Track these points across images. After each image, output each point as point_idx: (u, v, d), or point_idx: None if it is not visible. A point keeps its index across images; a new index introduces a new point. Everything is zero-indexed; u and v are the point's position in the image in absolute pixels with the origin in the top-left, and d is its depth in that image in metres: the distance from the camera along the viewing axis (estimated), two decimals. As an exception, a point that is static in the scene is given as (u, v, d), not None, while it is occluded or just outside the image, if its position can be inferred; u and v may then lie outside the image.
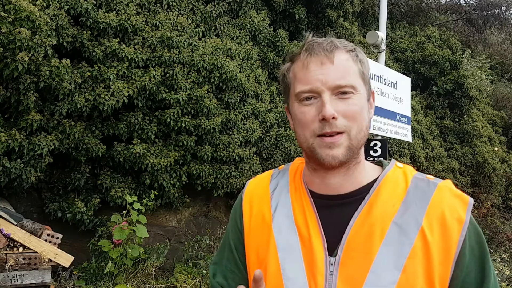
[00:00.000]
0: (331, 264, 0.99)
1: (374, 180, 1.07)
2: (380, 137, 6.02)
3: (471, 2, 18.71)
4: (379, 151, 5.72)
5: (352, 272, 0.97)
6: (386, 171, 1.08)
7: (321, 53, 1.03)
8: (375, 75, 5.93)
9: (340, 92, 1.00)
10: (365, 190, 1.05)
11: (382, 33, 6.16)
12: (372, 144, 5.85)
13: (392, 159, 1.14)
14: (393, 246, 0.96)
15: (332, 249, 1.01)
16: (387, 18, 7.96)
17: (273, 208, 1.11)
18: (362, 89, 1.05)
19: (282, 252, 1.04)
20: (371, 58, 6.61)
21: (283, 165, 1.24)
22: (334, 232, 1.02)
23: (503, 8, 17.66)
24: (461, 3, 18.99)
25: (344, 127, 1.00)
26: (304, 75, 1.03)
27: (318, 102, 1.01)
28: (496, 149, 13.30)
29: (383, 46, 6.13)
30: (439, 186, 1.04)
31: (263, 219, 1.11)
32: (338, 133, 0.99)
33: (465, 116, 12.84)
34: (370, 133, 6.09)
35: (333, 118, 0.98)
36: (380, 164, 1.14)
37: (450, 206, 1.00)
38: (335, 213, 1.04)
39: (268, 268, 1.04)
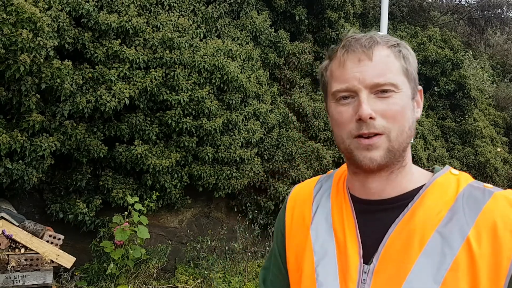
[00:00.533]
0: (365, 273, 0.94)
1: (421, 187, 0.99)
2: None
3: (473, 2, 18.70)
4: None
5: (386, 282, 0.92)
6: (435, 177, 1.00)
7: (358, 50, 0.96)
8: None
9: (379, 90, 0.94)
10: (410, 196, 0.98)
11: (383, 34, 6.16)
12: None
13: (447, 165, 1.06)
14: (433, 257, 0.89)
15: (368, 257, 0.96)
16: (388, 19, 7.97)
17: (313, 211, 1.09)
18: (406, 87, 0.97)
19: (317, 255, 1.01)
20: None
21: (331, 170, 1.21)
22: (371, 239, 0.97)
23: (504, 8, 17.64)
24: (463, 3, 18.97)
25: (383, 128, 0.93)
26: (340, 73, 0.98)
27: (355, 102, 0.96)
28: (499, 149, 13.28)
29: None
30: (495, 194, 0.94)
31: (303, 221, 1.09)
32: (376, 134, 0.93)
33: (467, 116, 12.83)
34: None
35: (371, 118, 0.92)
36: (433, 171, 1.05)
37: (504, 216, 0.89)
38: (375, 219, 0.99)
39: (304, 271, 1.02)
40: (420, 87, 1.04)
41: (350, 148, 0.97)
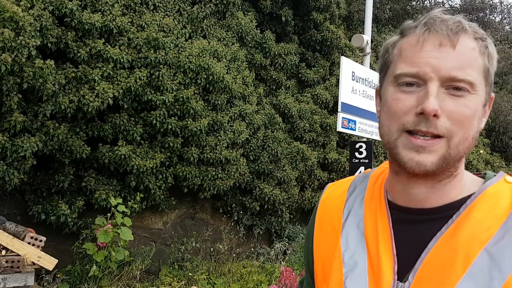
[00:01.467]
0: None
1: (470, 196, 0.86)
2: (365, 139, 6.07)
3: (456, 5, 19.00)
4: (364, 153, 5.77)
5: None
6: (486, 186, 0.86)
7: (442, 32, 0.81)
8: (360, 77, 5.98)
9: (453, 86, 0.80)
10: (456, 207, 0.85)
11: (367, 37, 6.23)
12: (357, 146, 5.90)
13: (501, 171, 0.92)
14: (479, 279, 0.77)
15: (403, 273, 0.84)
16: (373, 22, 8.05)
17: (345, 216, 0.96)
18: (482, 90, 0.83)
19: (346, 267, 0.90)
20: (356, 61, 6.67)
21: (369, 169, 1.08)
22: (408, 253, 0.85)
23: (487, 11, 17.96)
24: (446, 7, 19.25)
25: (445, 131, 0.79)
26: (413, 53, 0.82)
27: (421, 92, 0.80)
28: (481, 151, 13.50)
29: (368, 49, 6.19)
30: None
31: (332, 228, 0.97)
32: (435, 136, 0.79)
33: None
34: (356, 135, 6.14)
35: (435, 115, 0.78)
36: (484, 176, 0.92)
37: None
38: (414, 230, 0.86)
39: (330, 282, 0.92)
40: (493, 95, 0.89)
41: (395, 144, 0.83)
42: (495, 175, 0.89)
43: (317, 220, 1.03)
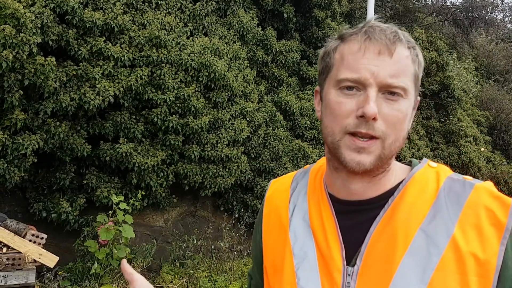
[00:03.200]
0: (349, 275, 0.89)
1: (401, 183, 0.94)
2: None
3: (457, 3, 18.95)
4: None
5: (371, 285, 0.87)
6: (414, 172, 0.95)
7: (382, 41, 0.87)
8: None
9: (389, 92, 0.86)
10: (390, 194, 0.93)
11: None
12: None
13: (424, 158, 1.02)
14: (418, 256, 0.84)
15: (350, 259, 0.90)
16: (374, 20, 8.02)
17: (291, 211, 1.01)
18: (412, 95, 0.90)
19: (297, 258, 0.95)
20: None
21: (308, 165, 1.13)
22: (352, 240, 0.91)
23: (488, 10, 17.91)
24: (447, 4, 19.21)
25: (381, 133, 0.86)
26: (355, 60, 0.88)
27: (361, 96, 0.87)
28: (482, 149, 13.48)
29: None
30: (476, 187, 0.90)
31: (280, 223, 1.02)
32: (372, 137, 0.86)
33: (451, 116, 12.99)
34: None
35: (374, 119, 0.85)
36: (410, 164, 1.01)
37: (487, 210, 0.86)
38: (355, 219, 0.93)
39: (283, 275, 0.96)
40: (418, 98, 0.96)
41: (339, 144, 0.89)
42: (419, 162, 0.99)
43: (264, 216, 1.08)
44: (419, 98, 0.96)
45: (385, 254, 0.87)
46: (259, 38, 8.45)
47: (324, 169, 1.03)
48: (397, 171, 0.97)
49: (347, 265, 0.90)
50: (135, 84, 5.91)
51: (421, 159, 1.01)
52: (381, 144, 0.87)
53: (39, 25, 5.20)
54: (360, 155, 0.87)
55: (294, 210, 1.01)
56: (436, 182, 0.92)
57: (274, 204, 1.07)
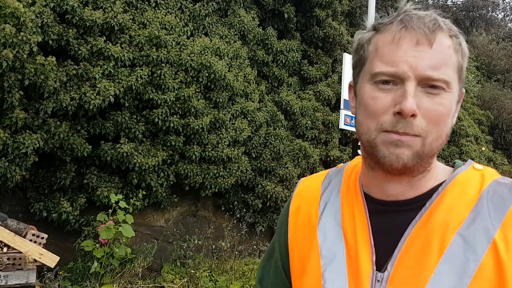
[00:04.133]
0: (378, 281, 0.84)
1: (441, 184, 0.88)
2: (368, 136, 6.05)
3: (458, 3, 18.93)
4: (367, 150, 5.76)
5: None
6: (456, 173, 0.88)
7: (420, 30, 0.80)
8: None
9: (429, 85, 0.80)
10: (428, 196, 0.87)
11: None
12: (359, 143, 5.88)
13: (470, 160, 0.95)
14: (455, 263, 0.79)
15: (382, 263, 0.85)
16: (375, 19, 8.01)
17: (321, 209, 0.96)
18: (456, 88, 0.83)
19: (324, 259, 0.90)
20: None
21: (342, 164, 1.07)
22: (385, 243, 0.86)
23: (489, 9, 17.89)
24: (448, 3, 19.20)
25: (421, 131, 0.80)
26: (390, 52, 0.82)
27: (398, 90, 0.81)
28: (483, 149, 13.46)
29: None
30: None
31: (309, 221, 0.97)
32: (411, 135, 0.81)
33: (452, 116, 12.97)
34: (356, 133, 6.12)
35: (412, 115, 0.79)
36: (454, 165, 0.94)
37: None
38: (390, 221, 0.87)
39: (308, 276, 0.91)
40: (463, 90, 0.89)
41: (375, 142, 0.83)
42: (464, 164, 0.92)
43: (291, 214, 1.02)
44: (464, 91, 0.89)
45: (419, 260, 0.81)
46: (259, 38, 8.44)
47: (359, 168, 0.98)
48: (438, 172, 0.91)
49: (377, 270, 0.85)
50: (135, 84, 5.90)
51: (465, 160, 0.95)
52: (422, 142, 0.81)
53: (39, 25, 5.20)
54: (399, 149, 0.81)
55: (325, 208, 0.96)
56: (479, 185, 0.86)
57: (304, 201, 1.02)
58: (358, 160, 1.02)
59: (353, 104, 0.93)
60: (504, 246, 0.78)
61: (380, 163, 0.84)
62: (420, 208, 0.85)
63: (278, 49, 8.62)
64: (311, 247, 0.93)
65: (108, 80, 5.78)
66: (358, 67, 0.90)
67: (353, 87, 0.93)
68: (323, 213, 0.95)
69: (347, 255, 0.88)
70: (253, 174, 7.55)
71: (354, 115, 0.91)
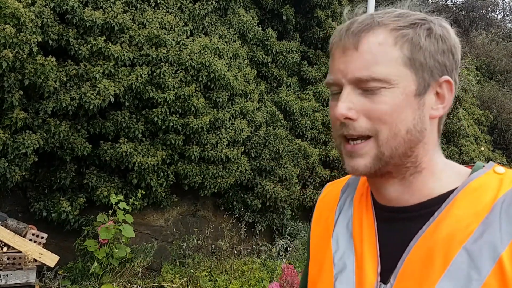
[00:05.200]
0: None
1: (453, 191, 0.81)
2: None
3: (458, 3, 18.93)
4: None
5: None
6: (471, 178, 0.81)
7: (347, 37, 0.81)
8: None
9: (363, 87, 0.79)
10: (437, 203, 0.81)
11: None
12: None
13: (491, 162, 0.86)
14: (457, 280, 0.73)
15: (387, 274, 0.82)
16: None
17: (336, 216, 0.95)
18: (406, 81, 0.78)
19: (336, 268, 0.88)
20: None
21: None
22: (391, 253, 0.82)
23: (489, 9, 17.90)
24: (448, 3, 19.20)
25: (368, 131, 0.78)
26: (330, 64, 0.86)
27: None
28: (483, 148, 13.47)
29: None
30: None
31: (326, 228, 0.96)
32: (360, 137, 0.79)
33: (451, 116, 12.99)
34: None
35: (348, 118, 0.79)
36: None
37: None
38: (396, 230, 0.84)
39: (321, 284, 0.90)
40: (446, 77, 0.83)
41: (340, 149, 0.85)
42: (484, 166, 0.84)
43: (314, 221, 1.02)
44: (445, 78, 0.82)
45: (422, 274, 0.77)
46: (259, 38, 8.44)
47: None
48: (450, 175, 0.85)
49: (381, 281, 0.82)
50: (135, 83, 5.91)
51: (465, 161, 0.91)
52: (375, 143, 0.79)
53: (39, 25, 5.21)
54: (353, 160, 0.81)
55: (339, 216, 0.94)
56: (496, 191, 0.77)
57: (325, 208, 1.00)
58: None
59: None
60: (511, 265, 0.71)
61: None
62: (429, 217, 0.81)
63: (278, 50, 8.63)
64: (325, 255, 0.92)
65: (108, 80, 5.79)
66: None
67: None
68: (337, 221, 0.94)
69: (356, 265, 0.86)
70: (252, 174, 7.56)
71: None
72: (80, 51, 5.69)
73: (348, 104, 0.79)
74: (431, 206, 0.81)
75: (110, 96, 5.64)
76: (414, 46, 0.80)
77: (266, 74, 8.69)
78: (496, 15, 22.74)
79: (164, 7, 6.87)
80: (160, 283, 5.86)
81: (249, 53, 8.22)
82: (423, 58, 0.80)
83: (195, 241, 6.80)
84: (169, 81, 6.24)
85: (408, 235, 0.81)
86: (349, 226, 0.91)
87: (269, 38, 8.49)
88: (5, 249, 4.26)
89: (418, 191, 0.83)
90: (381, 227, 0.86)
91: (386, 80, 0.78)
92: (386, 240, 0.85)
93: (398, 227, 0.84)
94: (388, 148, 0.79)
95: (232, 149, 6.99)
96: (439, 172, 0.84)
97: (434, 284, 0.75)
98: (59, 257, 4.50)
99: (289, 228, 8.18)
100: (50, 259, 4.43)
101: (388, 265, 0.82)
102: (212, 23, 7.60)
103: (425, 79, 0.80)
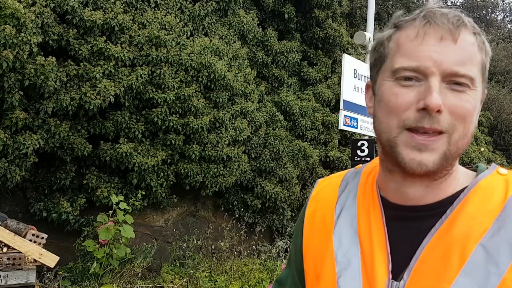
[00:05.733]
0: None
1: (463, 190, 0.83)
2: (367, 137, 6.06)
3: (458, 3, 18.93)
4: (366, 151, 5.76)
5: None
6: (479, 179, 0.84)
7: (444, 26, 0.77)
8: (362, 75, 5.96)
9: (454, 82, 0.77)
10: (449, 202, 0.82)
11: (369, 34, 6.20)
12: (359, 144, 5.89)
13: (493, 164, 0.90)
14: (475, 276, 0.74)
15: (398, 272, 0.81)
16: (375, 19, 8.03)
17: (337, 213, 0.93)
18: (480, 86, 0.80)
19: (339, 265, 0.87)
20: (359, 59, 6.65)
21: (360, 165, 1.03)
22: (403, 251, 0.82)
23: (489, 10, 17.90)
24: (448, 4, 19.21)
25: (447, 127, 0.76)
26: (414, 47, 0.78)
27: (421, 86, 0.77)
28: (483, 149, 13.47)
29: (370, 47, 6.16)
30: None
31: (324, 225, 0.94)
32: (437, 132, 0.77)
33: (452, 116, 12.99)
34: (358, 133, 6.13)
35: (438, 111, 0.75)
36: (476, 170, 0.89)
37: None
38: (408, 228, 0.83)
39: (322, 282, 0.89)
40: (485, 91, 0.85)
41: (395, 142, 0.79)
42: (487, 168, 0.87)
43: (307, 217, 0.99)
44: (486, 92, 0.85)
45: (438, 271, 0.77)
46: (259, 38, 8.45)
47: (377, 171, 0.94)
48: (460, 175, 0.86)
49: (393, 279, 0.81)
50: (135, 83, 5.91)
51: (466, 162, 0.92)
52: (447, 140, 0.77)
53: (40, 25, 5.21)
54: (422, 154, 0.77)
55: (341, 213, 0.93)
56: (504, 191, 0.81)
57: (320, 205, 0.98)
58: (376, 162, 0.97)
59: (370, 104, 0.90)
60: None
61: (399, 166, 0.80)
62: (441, 215, 0.81)
63: (278, 50, 8.63)
64: (325, 252, 0.90)
65: (109, 80, 5.79)
66: (377, 65, 0.87)
67: (370, 86, 0.90)
68: (339, 218, 0.92)
69: (363, 262, 0.85)
70: (252, 174, 7.56)
71: (372, 115, 0.88)
72: (80, 52, 5.69)
73: (439, 95, 0.76)
74: (444, 205, 0.82)
75: (110, 96, 5.64)
76: (486, 55, 0.81)
77: (267, 74, 8.69)
78: (496, 16, 22.76)
79: (164, 8, 6.87)
80: (160, 284, 5.86)
81: (249, 54, 8.22)
82: (487, 68, 0.82)
83: (195, 242, 6.80)
84: (169, 82, 6.24)
85: (419, 233, 0.81)
86: (353, 224, 0.89)
87: (269, 38, 8.50)
88: (5, 249, 4.26)
89: (441, 193, 0.83)
90: (390, 225, 0.85)
91: (473, 81, 0.78)
92: (396, 238, 0.84)
93: (410, 225, 0.83)
94: (455, 147, 0.78)
95: (232, 148, 6.99)
96: (457, 173, 0.86)
97: (452, 280, 0.75)
98: (59, 258, 4.50)
99: (289, 228, 8.18)
100: (50, 259, 4.42)
101: (399, 262, 0.82)
102: (212, 23, 7.61)
103: (483, 88, 0.83)
